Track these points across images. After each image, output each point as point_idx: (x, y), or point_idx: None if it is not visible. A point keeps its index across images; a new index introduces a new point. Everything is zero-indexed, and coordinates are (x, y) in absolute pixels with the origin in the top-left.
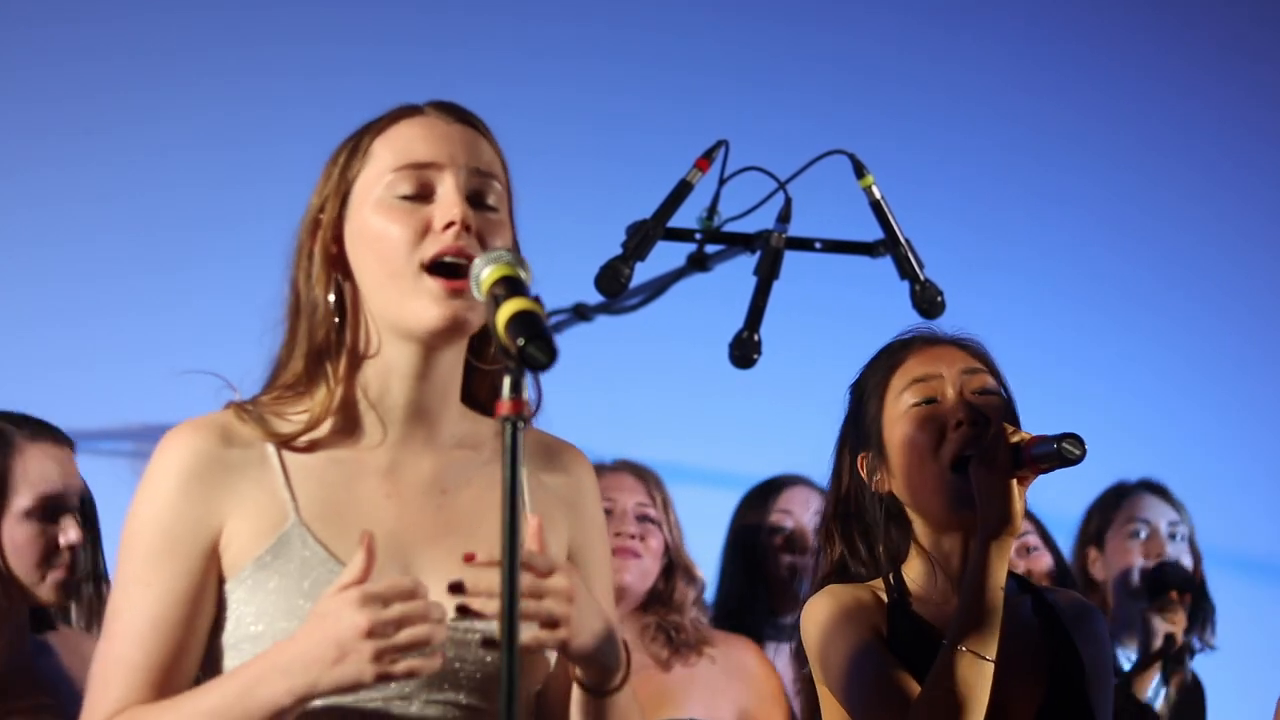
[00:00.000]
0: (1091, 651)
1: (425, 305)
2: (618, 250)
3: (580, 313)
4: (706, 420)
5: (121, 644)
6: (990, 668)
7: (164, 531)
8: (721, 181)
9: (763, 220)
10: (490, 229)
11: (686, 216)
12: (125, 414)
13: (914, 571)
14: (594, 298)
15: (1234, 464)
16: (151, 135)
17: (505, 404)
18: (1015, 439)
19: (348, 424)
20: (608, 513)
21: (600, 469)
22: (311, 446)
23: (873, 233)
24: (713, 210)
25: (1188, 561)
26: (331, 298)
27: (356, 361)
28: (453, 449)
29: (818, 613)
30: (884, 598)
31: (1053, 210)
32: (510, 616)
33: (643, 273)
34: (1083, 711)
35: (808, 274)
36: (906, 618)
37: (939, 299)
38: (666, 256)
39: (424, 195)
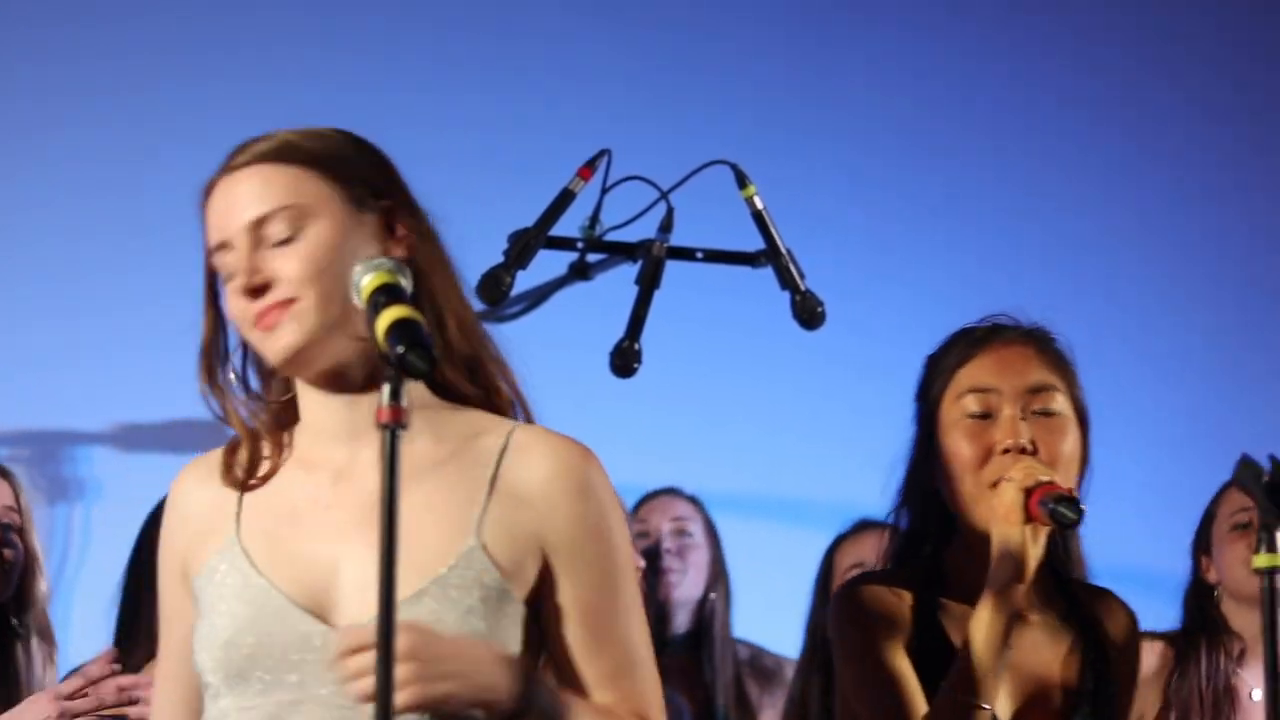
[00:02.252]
0: (1118, 654)
1: (265, 352)
2: (499, 258)
3: None
4: (587, 429)
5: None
6: (986, 714)
7: (163, 568)
8: (604, 190)
9: (645, 230)
10: (283, 262)
11: (569, 225)
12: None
13: (953, 565)
14: (475, 305)
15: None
16: (136, 136)
17: (385, 411)
18: (1029, 484)
19: (304, 445)
20: None
21: None
22: (268, 476)
23: (755, 243)
24: (595, 219)
25: None
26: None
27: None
28: (409, 446)
29: (848, 608)
30: (912, 597)
31: (935, 221)
32: (386, 618)
33: (524, 281)
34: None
35: (689, 283)
36: (930, 623)
37: (819, 309)
38: (548, 265)
39: (234, 268)
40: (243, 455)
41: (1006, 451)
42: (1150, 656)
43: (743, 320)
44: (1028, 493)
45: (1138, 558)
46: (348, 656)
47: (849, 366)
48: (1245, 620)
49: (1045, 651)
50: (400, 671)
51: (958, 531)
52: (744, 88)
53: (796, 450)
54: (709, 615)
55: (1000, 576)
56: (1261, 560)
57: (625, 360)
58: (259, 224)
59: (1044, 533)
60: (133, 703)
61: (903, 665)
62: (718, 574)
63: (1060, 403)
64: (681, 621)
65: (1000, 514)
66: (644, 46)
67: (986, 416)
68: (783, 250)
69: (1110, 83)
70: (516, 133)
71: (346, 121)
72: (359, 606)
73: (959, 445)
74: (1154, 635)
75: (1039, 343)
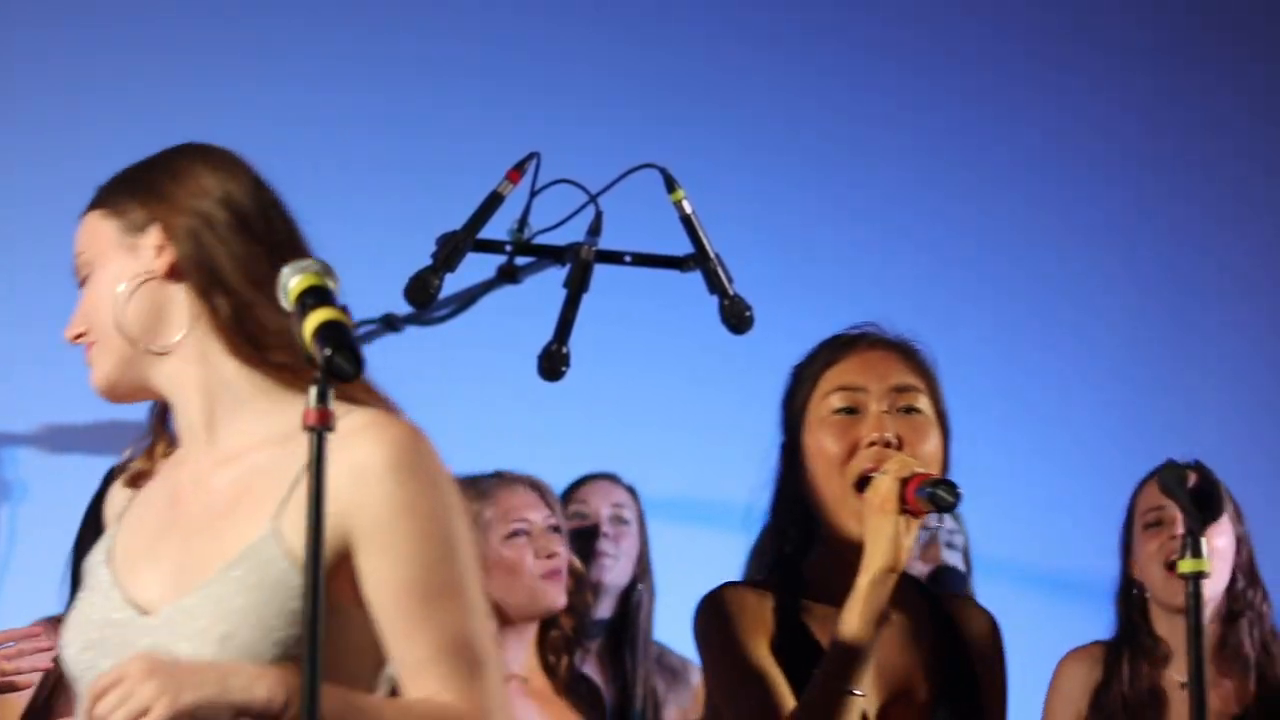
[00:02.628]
0: (979, 657)
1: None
2: (427, 261)
3: (389, 323)
4: (514, 432)
5: None
6: (859, 702)
7: None
8: (533, 194)
9: (573, 233)
10: (79, 307)
11: (497, 228)
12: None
13: (814, 571)
14: (403, 308)
15: (1024, 478)
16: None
17: (311, 413)
18: (905, 474)
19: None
20: (524, 533)
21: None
22: (150, 475)
23: (684, 247)
24: (523, 222)
25: (962, 570)
26: None
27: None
28: (254, 449)
29: (711, 611)
30: (774, 599)
31: (864, 226)
32: (312, 640)
33: (452, 284)
34: None
35: (618, 287)
36: (794, 624)
37: (747, 314)
38: (476, 268)
39: None
40: (140, 460)
41: (872, 445)
42: (1080, 666)
43: (671, 324)
44: (903, 483)
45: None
46: (95, 703)
47: (777, 371)
48: (1168, 622)
49: (907, 652)
50: (145, 691)
51: (819, 535)
52: (674, 91)
53: (723, 454)
54: (635, 606)
55: (874, 565)
56: (1186, 566)
57: (553, 364)
58: (79, 261)
59: (916, 525)
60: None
61: (768, 664)
62: (645, 567)
63: (924, 403)
64: (605, 608)
65: (876, 504)
66: (574, 49)
67: (853, 412)
68: (711, 254)
69: (1030, 82)
70: (445, 135)
71: (274, 124)
72: (166, 597)
73: (825, 441)
74: (1084, 646)
75: (903, 349)
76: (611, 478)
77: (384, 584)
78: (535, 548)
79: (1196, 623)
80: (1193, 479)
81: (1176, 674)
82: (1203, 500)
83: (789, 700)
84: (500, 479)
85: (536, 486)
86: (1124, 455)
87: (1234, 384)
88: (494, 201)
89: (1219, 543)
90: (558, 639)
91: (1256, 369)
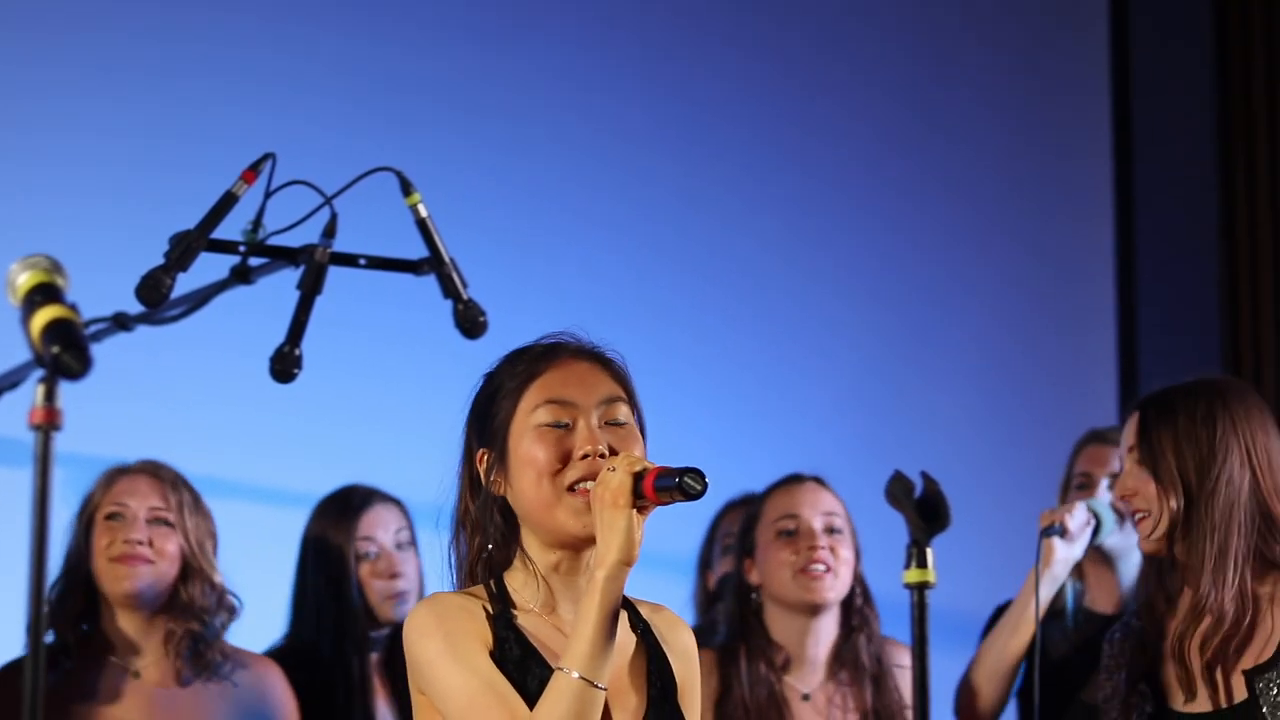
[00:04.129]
0: (682, 666)
1: None
2: (160, 260)
3: (120, 322)
4: (245, 434)
5: None
6: (602, 695)
7: None
8: (267, 194)
9: (308, 235)
10: None
11: (231, 229)
12: None
13: (516, 581)
14: (135, 307)
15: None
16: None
17: (38, 411)
18: (638, 469)
19: None
20: (118, 516)
21: (119, 470)
22: None
23: (419, 251)
24: (257, 223)
25: None
26: None
27: None
28: None
29: (421, 620)
30: (489, 608)
31: (597, 233)
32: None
33: (185, 283)
34: None
35: (352, 290)
36: (511, 630)
37: (481, 319)
38: (210, 267)
39: None
40: None
41: (585, 458)
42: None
43: (405, 328)
44: (636, 478)
45: None
46: None
47: None
48: (786, 628)
49: (617, 655)
50: None
51: (518, 544)
52: (410, 95)
53: (456, 458)
54: None
55: (610, 559)
56: (912, 576)
57: (285, 365)
58: None
59: (648, 513)
60: None
61: (493, 670)
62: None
63: (625, 413)
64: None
65: (607, 500)
66: (310, 50)
67: (563, 426)
68: (446, 259)
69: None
70: (179, 135)
71: (3, 127)
72: None
73: (537, 453)
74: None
75: (606, 363)
76: (383, 498)
77: None
78: (124, 534)
79: (921, 631)
80: (919, 491)
81: (798, 683)
82: (929, 512)
83: (518, 706)
84: (128, 467)
85: (155, 473)
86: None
87: (957, 397)
88: (228, 201)
89: (845, 554)
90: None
91: (979, 382)
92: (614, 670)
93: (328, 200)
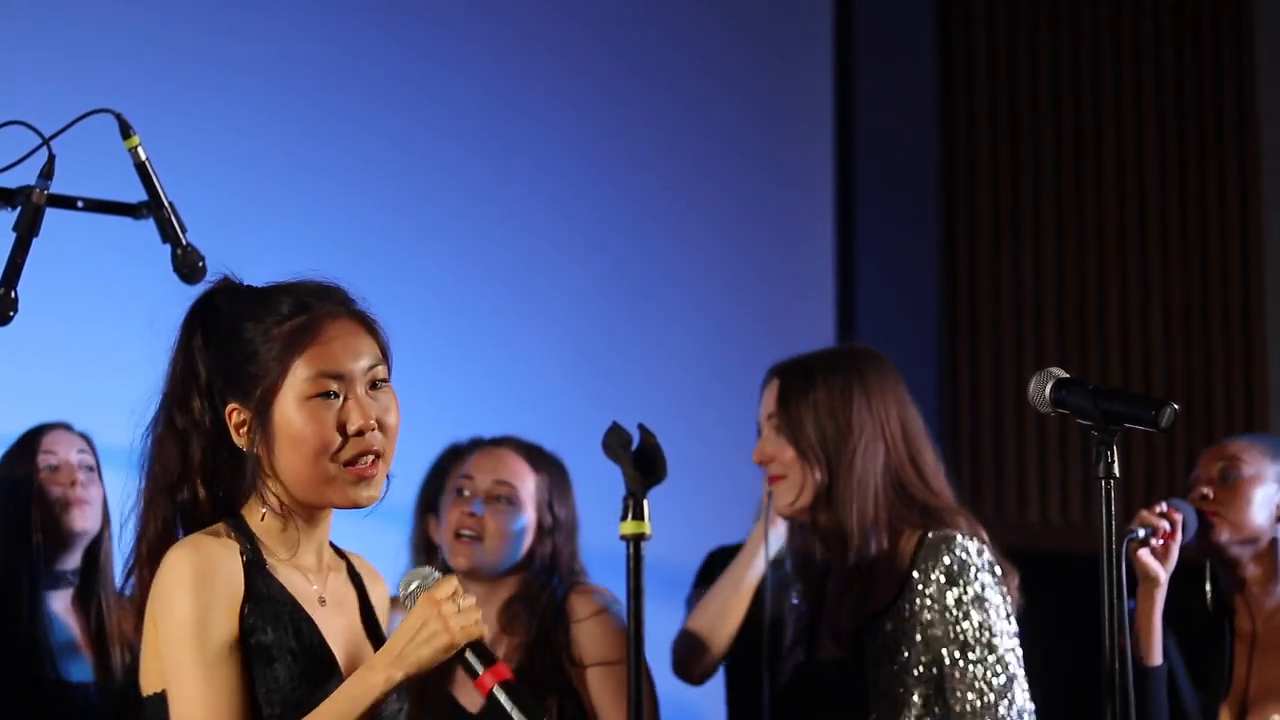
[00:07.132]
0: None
1: None
2: None
3: None
4: None
5: None
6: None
7: None
8: None
9: (25, 176)
10: None
11: None
12: None
13: (260, 524)
14: None
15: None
16: None
17: None
18: (488, 656)
19: None
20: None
21: None
22: None
23: (138, 194)
24: None
25: None
26: None
27: None
28: None
29: (180, 573)
30: (244, 555)
31: (321, 181)
32: None
33: None
34: None
35: (69, 232)
36: (268, 580)
37: (200, 264)
38: None
39: None
40: None
41: (359, 434)
42: None
43: (123, 272)
44: (480, 655)
45: None
46: None
47: None
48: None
49: (347, 611)
50: None
51: (255, 490)
52: (129, 36)
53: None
54: (105, 556)
55: (400, 672)
56: (628, 528)
57: (1, 309)
58: None
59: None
60: None
61: (223, 664)
62: (107, 516)
63: (384, 371)
64: (74, 558)
65: (448, 630)
66: None
67: (333, 396)
68: (165, 203)
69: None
70: None
71: None
72: None
73: (309, 430)
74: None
75: (370, 326)
76: (67, 427)
77: None
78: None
79: (636, 584)
80: (636, 443)
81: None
82: (645, 464)
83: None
84: None
85: None
86: (569, 415)
87: (677, 352)
88: None
89: (504, 524)
90: None
91: (700, 336)
92: (349, 627)
93: (45, 141)
